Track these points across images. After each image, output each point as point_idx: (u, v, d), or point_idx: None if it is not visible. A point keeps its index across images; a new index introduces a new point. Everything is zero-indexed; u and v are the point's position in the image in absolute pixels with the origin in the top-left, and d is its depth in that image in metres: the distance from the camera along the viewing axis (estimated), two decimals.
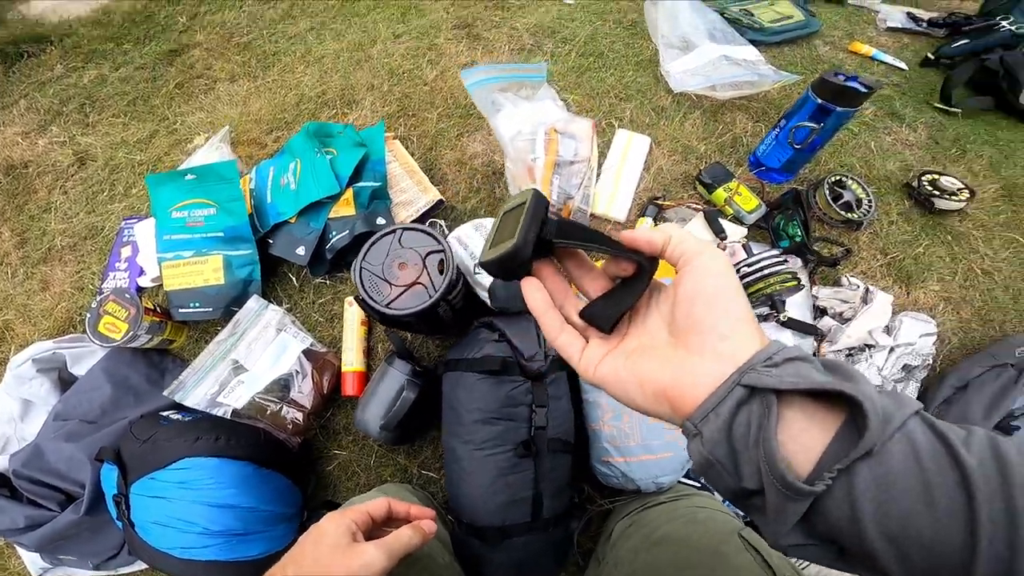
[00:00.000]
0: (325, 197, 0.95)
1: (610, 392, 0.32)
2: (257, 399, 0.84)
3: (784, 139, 0.97)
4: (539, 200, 0.34)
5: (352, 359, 0.93)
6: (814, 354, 0.80)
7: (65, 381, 0.99)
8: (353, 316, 0.95)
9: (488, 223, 0.88)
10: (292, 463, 0.87)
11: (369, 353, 0.97)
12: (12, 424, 0.93)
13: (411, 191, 1.01)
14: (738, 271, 0.84)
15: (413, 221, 0.99)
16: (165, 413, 0.86)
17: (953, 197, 1.02)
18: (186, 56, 1.47)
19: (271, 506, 0.80)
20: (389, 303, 0.71)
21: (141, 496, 0.74)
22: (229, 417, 0.81)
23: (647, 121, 1.14)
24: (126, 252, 1.11)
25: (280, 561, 0.47)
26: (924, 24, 1.40)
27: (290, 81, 1.34)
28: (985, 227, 1.06)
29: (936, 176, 1.06)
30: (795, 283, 0.81)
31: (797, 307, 0.91)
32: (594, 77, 1.22)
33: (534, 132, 0.94)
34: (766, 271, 0.82)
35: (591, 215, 0.97)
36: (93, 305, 0.94)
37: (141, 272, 1.07)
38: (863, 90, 0.87)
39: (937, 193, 1.03)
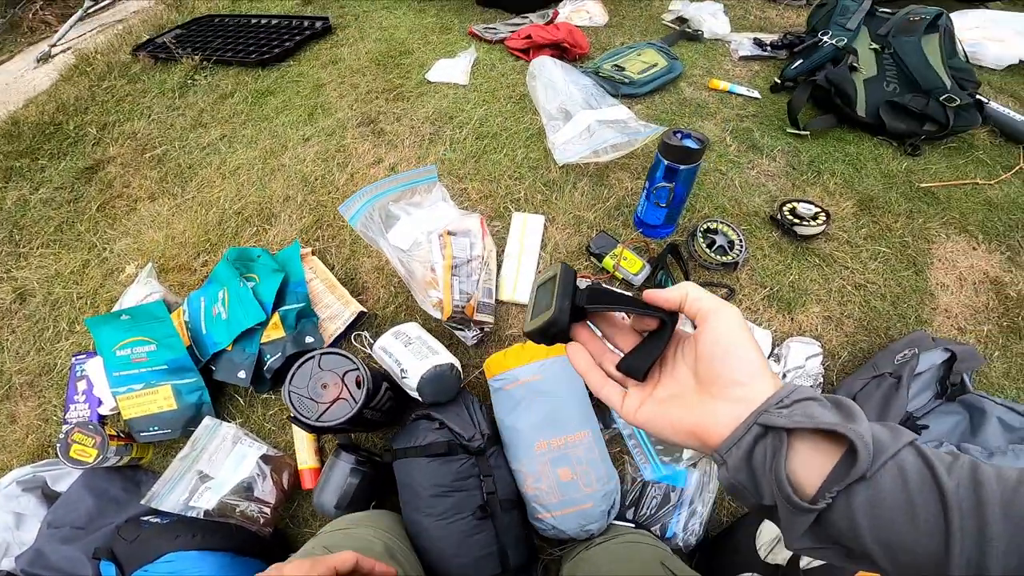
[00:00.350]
0: (255, 324, 1.07)
1: (648, 431, 0.40)
2: (224, 500, 0.95)
3: (652, 200, 1.11)
4: (568, 272, 0.41)
5: (306, 458, 1.05)
6: None
7: (49, 496, 1.08)
8: None
9: (408, 329, 1.01)
10: (268, 550, 0.99)
11: (321, 451, 1.08)
12: (10, 532, 1.02)
13: (334, 306, 1.13)
14: None
15: (336, 336, 1.11)
16: (145, 518, 0.97)
17: (812, 222, 1.15)
18: (103, 173, 1.56)
19: None
20: (318, 417, 0.84)
21: None
22: (202, 517, 0.93)
23: (540, 198, 1.28)
24: (82, 385, 1.20)
25: None
26: (768, 48, 1.60)
27: (209, 197, 1.43)
28: (850, 243, 1.20)
29: (794, 204, 1.19)
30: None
31: None
32: (489, 160, 1.36)
33: (430, 238, 1.08)
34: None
35: (498, 301, 1.11)
36: (61, 436, 1.03)
37: (99, 403, 1.16)
38: (696, 146, 0.99)
39: (797, 221, 1.16)
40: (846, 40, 1.41)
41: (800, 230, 1.17)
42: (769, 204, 1.27)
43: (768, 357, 1.04)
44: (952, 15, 1.43)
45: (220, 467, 0.99)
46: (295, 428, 1.08)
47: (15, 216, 1.50)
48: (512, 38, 1.69)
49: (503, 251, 1.18)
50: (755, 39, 1.65)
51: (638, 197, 1.24)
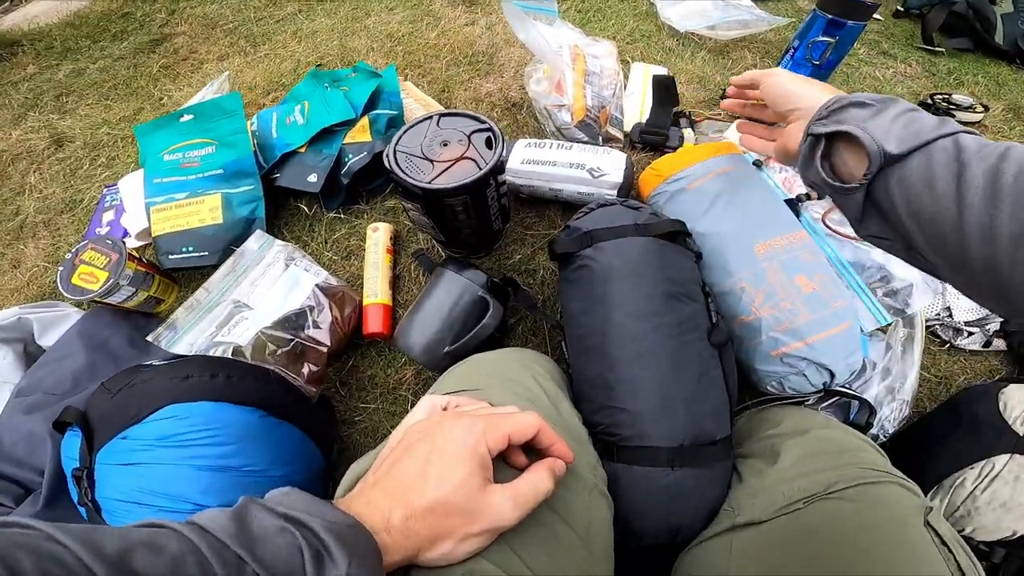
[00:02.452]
0: (338, 124, 0.84)
1: (777, 159, 0.54)
2: (265, 334, 0.65)
3: (801, 58, 0.94)
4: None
5: (376, 289, 0.78)
6: None
7: (32, 356, 0.77)
8: (377, 242, 0.81)
9: (539, 141, 0.78)
10: (309, 414, 0.66)
11: (395, 284, 0.82)
12: None
13: None
14: None
15: None
16: (148, 363, 0.62)
17: (970, 110, 1.01)
18: (169, 44, 1.37)
19: (285, 469, 0.57)
20: (432, 180, 0.60)
21: (108, 466, 0.51)
22: (230, 355, 0.62)
23: (658, 58, 1.09)
24: (108, 216, 0.96)
25: (380, 471, 0.33)
26: None
27: (283, 54, 1.24)
28: (1005, 136, 1.03)
29: (948, 95, 1.04)
30: None
31: None
32: (596, 27, 1.17)
33: (559, 50, 0.87)
34: None
35: (624, 133, 0.88)
36: (67, 256, 0.76)
37: (125, 234, 0.92)
38: (868, 3, 0.84)
39: (954, 107, 1.01)
40: None
41: (961, 115, 1.01)
42: (913, 96, 1.10)
43: None
44: None
45: (264, 295, 0.72)
46: (368, 250, 0.81)
47: (67, 83, 1.31)
48: None
49: (624, 93, 0.97)
50: None
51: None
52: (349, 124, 0.84)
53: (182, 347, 0.64)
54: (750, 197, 0.65)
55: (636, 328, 0.53)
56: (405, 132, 0.64)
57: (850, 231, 0.70)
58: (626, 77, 1.00)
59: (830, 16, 0.87)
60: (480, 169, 0.59)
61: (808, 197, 0.72)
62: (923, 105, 1.04)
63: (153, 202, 0.85)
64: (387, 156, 0.61)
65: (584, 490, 0.41)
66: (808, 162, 0.44)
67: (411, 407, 0.77)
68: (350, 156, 0.82)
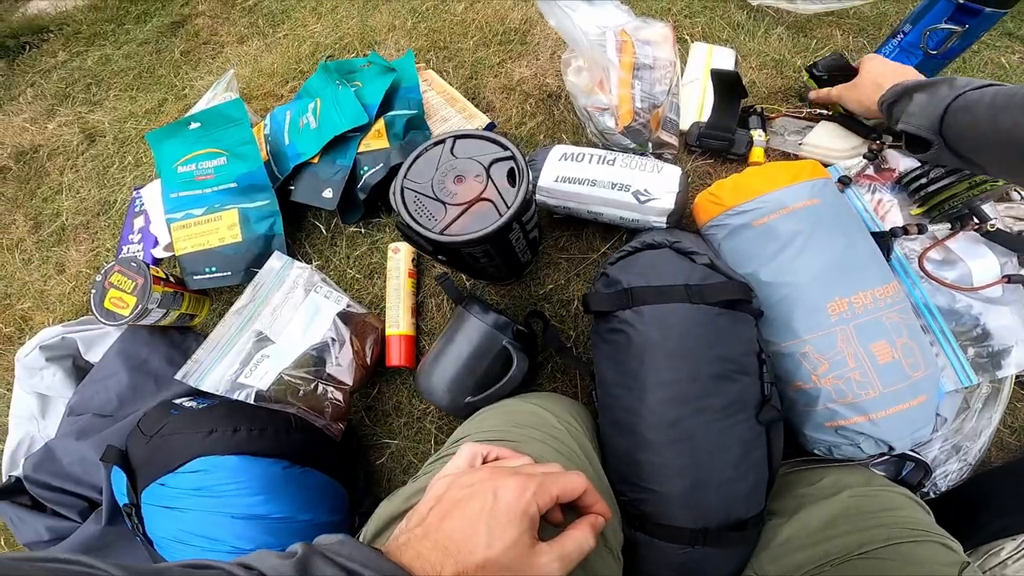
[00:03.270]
0: (351, 129, 0.75)
1: (845, 104, 0.70)
2: (286, 377, 0.64)
3: (913, 45, 0.74)
4: None
5: (398, 319, 0.73)
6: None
7: (81, 369, 0.81)
8: (399, 266, 0.75)
9: (577, 150, 0.66)
10: (334, 455, 0.67)
11: (418, 312, 0.76)
12: (34, 422, 0.77)
13: (454, 119, 0.80)
14: (908, 179, 0.62)
15: None
16: (178, 401, 0.67)
17: None
18: (189, 26, 1.30)
19: (311, 514, 0.61)
20: (444, 228, 0.50)
21: (152, 507, 0.57)
22: (252, 401, 0.61)
23: (724, 37, 0.90)
24: (139, 223, 0.93)
25: (429, 522, 0.32)
26: None
27: (303, 34, 1.14)
28: None
29: None
30: (991, 186, 0.57)
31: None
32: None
33: (601, 37, 0.72)
34: (949, 177, 0.59)
35: (679, 135, 0.74)
36: (98, 279, 0.76)
37: (155, 242, 0.89)
38: None
39: None
40: None
41: None
42: None
43: None
44: None
45: (285, 326, 0.68)
46: (389, 274, 0.75)
47: (95, 71, 1.28)
48: None
49: (681, 81, 0.81)
50: None
51: (859, 55, 0.84)
52: (363, 129, 0.75)
53: (208, 385, 0.62)
54: (832, 241, 0.52)
55: (674, 414, 0.47)
56: (414, 161, 0.54)
57: (949, 276, 0.56)
58: (684, 62, 0.83)
59: (961, 1, 0.66)
60: (500, 215, 0.49)
61: (905, 231, 0.58)
62: None
63: (173, 218, 0.82)
64: (393, 194, 0.53)
65: (607, 551, 0.42)
66: (888, 108, 0.60)
67: (435, 441, 0.74)
68: (366, 168, 0.73)
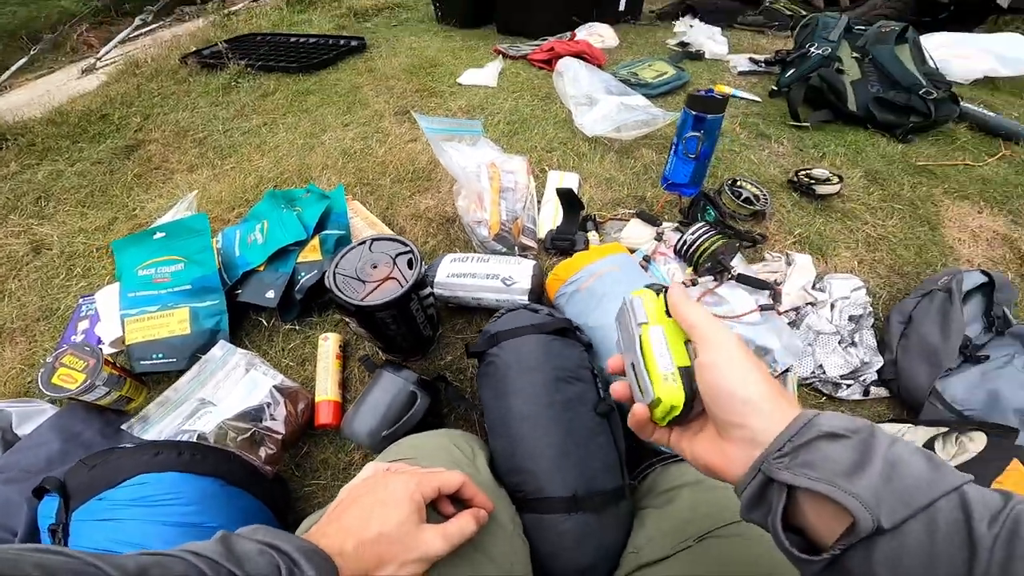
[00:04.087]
0: (292, 243, 0.97)
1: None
2: (227, 424, 0.76)
3: (682, 153, 1.11)
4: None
5: (327, 388, 0.89)
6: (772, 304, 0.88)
7: (8, 443, 0.84)
8: (328, 351, 0.93)
9: (463, 255, 0.93)
10: (265, 490, 0.76)
11: (344, 386, 0.93)
12: None
13: None
14: (680, 248, 0.93)
15: None
16: (122, 446, 0.73)
17: (827, 183, 1.18)
18: (143, 151, 1.50)
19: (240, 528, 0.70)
20: (363, 298, 0.73)
21: (84, 522, 0.60)
22: (195, 440, 0.73)
23: (571, 164, 1.27)
24: (83, 325, 1.05)
25: (333, 515, 0.41)
26: (763, 65, 1.71)
27: (248, 168, 1.38)
28: (865, 204, 1.21)
29: (808, 170, 1.23)
30: (730, 240, 0.90)
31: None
32: (522, 137, 1.36)
33: (478, 170, 1.03)
34: (702, 238, 0.91)
35: (538, 241, 1.04)
36: (48, 360, 0.85)
37: (99, 342, 1.01)
38: (720, 97, 1.03)
39: (814, 181, 1.19)
40: (830, 49, 1.50)
41: (819, 189, 1.18)
42: (784, 174, 1.28)
43: (813, 287, 0.97)
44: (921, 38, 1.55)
45: (227, 395, 0.82)
46: (320, 356, 0.93)
47: (46, 185, 1.41)
48: (535, 53, 1.78)
49: (541, 200, 1.13)
50: (750, 58, 1.76)
51: (662, 167, 1.25)
52: (302, 244, 0.97)
53: (152, 435, 0.74)
54: (632, 289, 0.80)
55: (531, 410, 0.65)
56: (343, 257, 0.77)
57: (720, 311, 0.86)
58: (543, 186, 1.17)
59: (695, 112, 1.04)
60: (401, 287, 0.73)
61: (684, 284, 0.88)
62: (789, 183, 1.23)
63: (128, 314, 0.95)
64: (328, 278, 0.74)
65: (505, 534, 0.51)
66: (756, 506, 0.32)
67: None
68: (303, 274, 0.95)
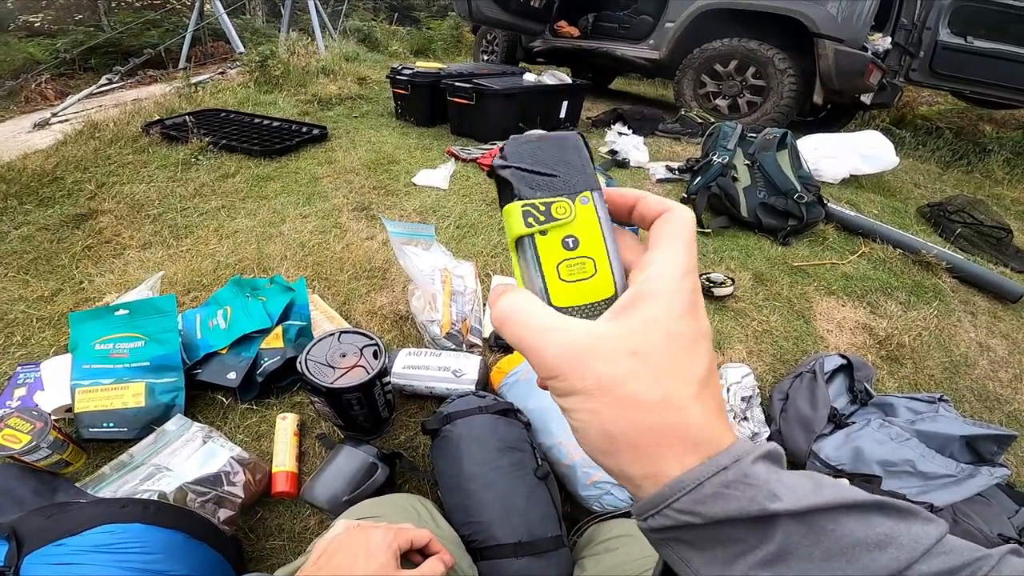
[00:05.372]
0: (256, 331, 1.08)
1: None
2: (187, 487, 0.82)
3: None
4: None
5: (284, 460, 0.96)
6: None
7: None
8: (286, 428, 1.00)
9: (417, 350, 1.08)
10: (226, 546, 0.80)
11: (301, 459, 1.00)
12: None
13: None
14: None
15: None
16: (78, 500, 0.76)
17: (723, 285, 1.45)
18: (94, 222, 1.52)
19: None
20: (333, 382, 0.86)
21: (38, 565, 0.60)
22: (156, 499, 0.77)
23: (510, 269, 1.49)
24: (20, 392, 1.05)
25: (320, 563, 0.47)
26: (677, 172, 2.06)
27: (204, 251, 1.45)
28: (753, 303, 1.48)
29: (708, 273, 1.49)
30: None
31: None
32: (469, 242, 1.57)
33: (432, 273, 1.22)
34: None
35: (483, 340, 1.21)
36: None
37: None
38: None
39: (712, 284, 1.45)
40: (728, 157, 1.83)
41: (717, 291, 1.45)
42: None
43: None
44: (798, 140, 1.89)
45: (184, 464, 0.88)
46: (278, 433, 1.01)
47: None
48: (484, 157, 2.06)
49: (485, 303, 1.32)
50: (666, 166, 2.13)
51: None
52: (265, 331, 1.09)
53: (107, 493, 0.77)
54: None
55: (480, 470, 0.80)
56: (315, 345, 0.91)
57: None
58: (487, 289, 1.37)
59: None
60: (368, 374, 0.87)
61: None
62: None
63: (80, 384, 0.99)
64: (300, 363, 0.87)
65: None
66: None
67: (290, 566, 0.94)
68: (265, 359, 1.05)
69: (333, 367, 0.88)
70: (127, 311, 1.07)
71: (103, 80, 2.75)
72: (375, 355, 0.91)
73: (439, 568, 0.52)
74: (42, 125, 2.33)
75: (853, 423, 1.10)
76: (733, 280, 1.49)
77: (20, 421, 0.88)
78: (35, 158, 1.78)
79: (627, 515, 0.86)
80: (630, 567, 0.63)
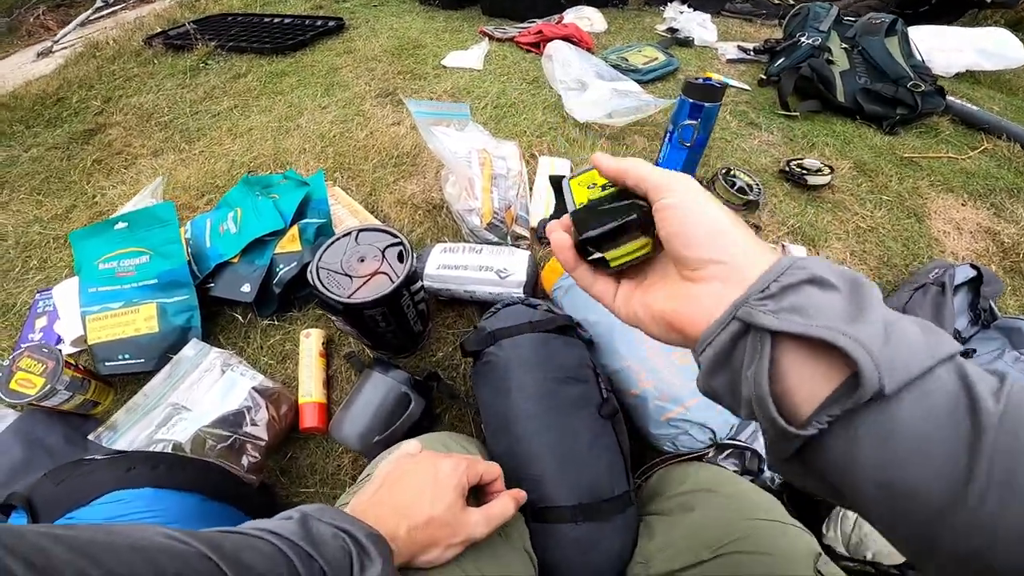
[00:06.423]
0: (269, 233, 0.90)
1: (642, 330, 0.31)
2: (204, 432, 0.70)
3: (676, 142, 1.06)
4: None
5: (311, 389, 0.83)
6: None
7: None
8: (311, 348, 0.86)
9: (453, 245, 0.86)
10: (252, 500, 0.72)
11: (329, 385, 0.87)
12: None
13: None
14: None
15: None
16: (90, 457, 0.67)
17: (819, 173, 1.16)
18: (103, 135, 1.40)
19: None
20: (350, 295, 0.66)
21: None
22: (170, 450, 0.67)
23: (562, 150, 1.21)
24: (41, 323, 0.96)
25: (382, 493, 0.42)
26: (751, 53, 1.67)
27: (218, 151, 1.29)
28: (854, 195, 1.19)
29: (800, 160, 1.20)
30: None
31: None
32: (510, 122, 1.30)
33: (468, 156, 0.97)
34: None
35: (531, 230, 0.99)
36: (5, 363, 0.78)
37: (59, 340, 0.92)
38: (718, 86, 0.99)
39: (805, 172, 1.16)
40: (820, 39, 1.47)
41: (810, 179, 1.16)
42: (775, 164, 1.25)
43: None
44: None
45: (201, 398, 0.75)
46: (302, 354, 0.87)
47: (0, 172, 1.31)
48: (522, 35, 1.70)
49: (532, 188, 1.08)
50: (738, 46, 1.72)
51: (655, 154, 1.20)
52: (279, 234, 0.90)
53: (122, 444, 0.67)
54: None
55: (533, 408, 0.61)
56: (326, 249, 0.71)
57: None
58: (534, 172, 1.11)
59: (691, 100, 0.99)
60: (393, 283, 0.67)
61: None
62: (781, 172, 1.20)
63: (89, 311, 0.87)
64: (310, 273, 0.68)
65: (513, 549, 0.48)
66: (721, 368, 0.25)
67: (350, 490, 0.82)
68: (281, 266, 0.88)
69: (350, 276, 0.68)
70: (126, 224, 0.91)
71: (98, 2, 2.49)
72: (400, 257, 0.70)
73: (510, 507, 0.46)
74: (45, 54, 2.14)
75: (974, 351, 0.84)
76: (831, 168, 1.19)
77: (31, 362, 0.78)
78: (37, 84, 1.63)
79: (700, 458, 0.69)
80: (711, 533, 0.49)
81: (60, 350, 0.80)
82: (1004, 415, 0.19)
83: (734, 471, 0.68)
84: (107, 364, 0.84)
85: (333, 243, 0.71)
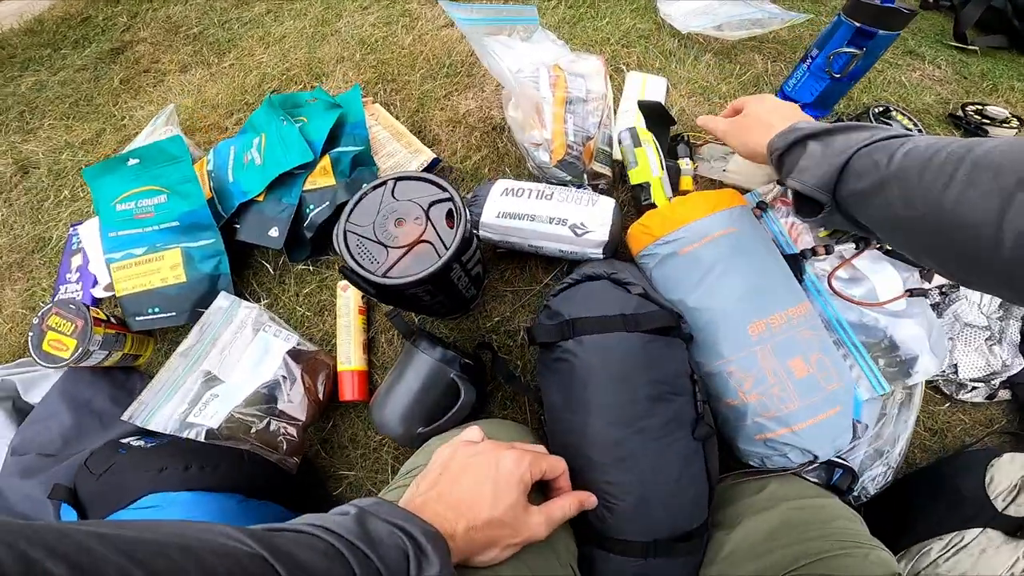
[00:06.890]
0: (297, 167, 0.74)
1: (729, 142, 0.61)
2: (237, 415, 0.63)
3: (819, 69, 0.79)
4: None
5: (350, 355, 0.72)
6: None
7: (21, 411, 0.77)
8: (348, 303, 0.74)
9: (518, 184, 0.67)
10: (290, 488, 0.67)
11: (369, 347, 0.76)
12: None
13: (400, 154, 0.80)
14: None
15: None
16: (125, 440, 0.66)
17: (1005, 124, 0.86)
18: (130, 52, 1.25)
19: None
20: (387, 271, 0.51)
21: None
22: (203, 439, 0.60)
23: (657, 65, 0.95)
24: (76, 261, 0.89)
25: (441, 488, 0.38)
26: None
27: (249, 64, 1.12)
28: None
29: (981, 106, 0.90)
30: None
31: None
32: (589, 26, 1.02)
33: (535, 73, 0.74)
34: None
35: (614, 161, 0.77)
36: (35, 321, 0.73)
37: (95, 282, 0.85)
38: (905, 11, 0.70)
39: (988, 121, 0.87)
40: None
41: (993, 131, 0.87)
42: (942, 105, 0.95)
43: None
44: None
45: (234, 366, 0.67)
46: (339, 312, 0.75)
47: (29, 98, 1.21)
48: None
49: (616, 111, 0.84)
50: None
51: (778, 78, 0.93)
52: (309, 166, 0.74)
53: (156, 424, 0.61)
54: (750, 266, 0.56)
55: (617, 435, 0.49)
56: (356, 205, 0.55)
57: (856, 293, 0.61)
58: (619, 90, 0.87)
59: (858, 24, 0.72)
60: (440, 256, 0.50)
61: (814, 253, 0.62)
62: (953, 118, 0.91)
63: (112, 258, 0.79)
64: (336, 237, 0.53)
65: (560, 565, 0.43)
66: (784, 148, 0.50)
67: (392, 471, 0.74)
68: (311, 206, 0.73)
69: (385, 245, 0.52)
70: (137, 159, 0.79)
71: None
72: (450, 218, 0.52)
73: (573, 509, 0.43)
74: None
75: None
76: (1022, 120, 0.88)
77: (60, 320, 0.73)
78: (62, 6, 1.45)
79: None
80: (790, 549, 0.44)
81: (88, 307, 0.73)
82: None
83: (815, 483, 0.58)
84: (138, 319, 0.78)
85: (364, 197, 0.55)
